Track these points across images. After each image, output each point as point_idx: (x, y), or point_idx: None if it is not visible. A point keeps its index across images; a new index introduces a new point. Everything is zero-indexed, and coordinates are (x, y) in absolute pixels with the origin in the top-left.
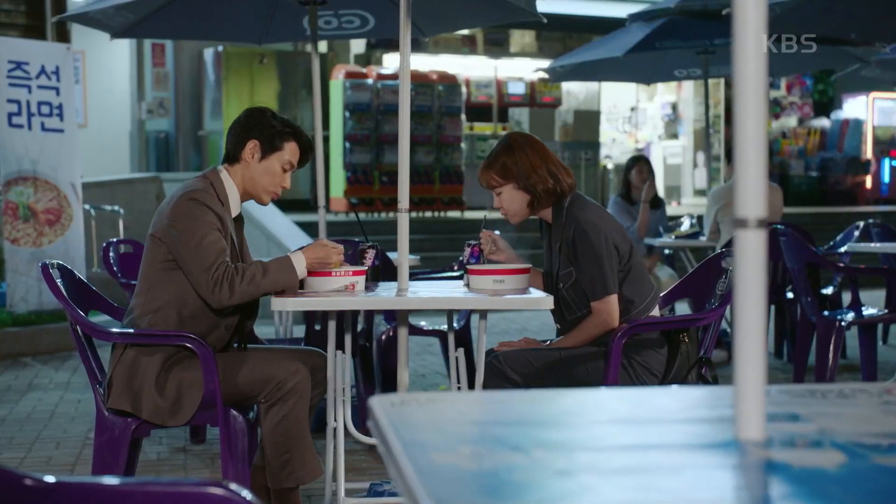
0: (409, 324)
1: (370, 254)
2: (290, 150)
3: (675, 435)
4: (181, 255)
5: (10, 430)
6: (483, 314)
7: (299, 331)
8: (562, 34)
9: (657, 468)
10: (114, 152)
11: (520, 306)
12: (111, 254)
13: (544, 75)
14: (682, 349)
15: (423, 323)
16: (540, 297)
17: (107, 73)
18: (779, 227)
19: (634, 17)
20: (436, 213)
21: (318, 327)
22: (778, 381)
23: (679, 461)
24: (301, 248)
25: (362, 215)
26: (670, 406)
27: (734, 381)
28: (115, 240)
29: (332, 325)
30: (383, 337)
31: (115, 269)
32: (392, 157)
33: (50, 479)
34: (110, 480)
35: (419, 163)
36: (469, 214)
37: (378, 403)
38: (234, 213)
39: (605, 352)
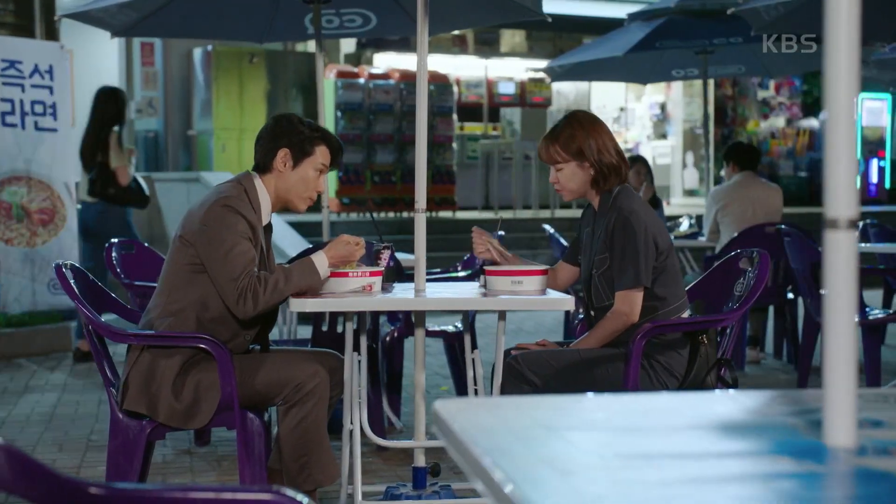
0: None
1: (385, 254)
2: (322, 154)
3: (761, 441)
4: (209, 261)
5: (11, 432)
6: (502, 315)
7: (302, 332)
8: (552, 34)
9: (753, 476)
10: None
11: (540, 307)
12: (114, 255)
13: (539, 74)
14: (700, 351)
15: None
16: (560, 298)
17: (95, 73)
18: (782, 227)
19: (633, 17)
20: (427, 214)
21: (325, 328)
22: (780, 383)
23: (773, 469)
24: (319, 246)
25: (353, 215)
26: (742, 410)
27: (823, 385)
28: (116, 240)
29: (349, 327)
30: (387, 338)
31: (117, 270)
32: (384, 156)
33: (120, 486)
34: (170, 487)
35: (410, 163)
36: (461, 215)
37: (443, 408)
38: (264, 222)
39: (625, 353)
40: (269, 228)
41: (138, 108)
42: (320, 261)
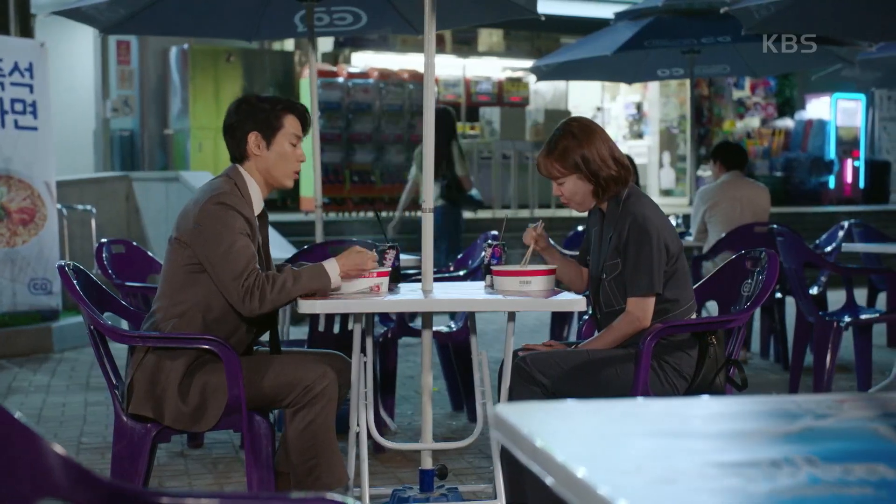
0: (408, 325)
1: (390, 254)
2: (291, 124)
3: (851, 447)
4: (210, 260)
5: None
6: (511, 316)
7: (294, 333)
8: (529, 34)
9: (856, 484)
10: (77, 151)
11: (552, 308)
12: (104, 254)
13: (516, 74)
14: (709, 351)
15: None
16: (572, 299)
17: (70, 71)
18: (774, 226)
19: (620, 16)
20: (407, 213)
21: (321, 329)
22: (768, 383)
23: (873, 477)
24: (330, 253)
25: (332, 214)
26: (814, 414)
27: None
28: (106, 240)
29: (357, 329)
30: (380, 339)
31: (109, 270)
32: (363, 156)
33: (186, 492)
34: (238, 496)
35: (390, 162)
36: None
37: (507, 413)
38: (257, 211)
39: (634, 354)
40: (263, 215)
41: (114, 107)
42: (331, 267)
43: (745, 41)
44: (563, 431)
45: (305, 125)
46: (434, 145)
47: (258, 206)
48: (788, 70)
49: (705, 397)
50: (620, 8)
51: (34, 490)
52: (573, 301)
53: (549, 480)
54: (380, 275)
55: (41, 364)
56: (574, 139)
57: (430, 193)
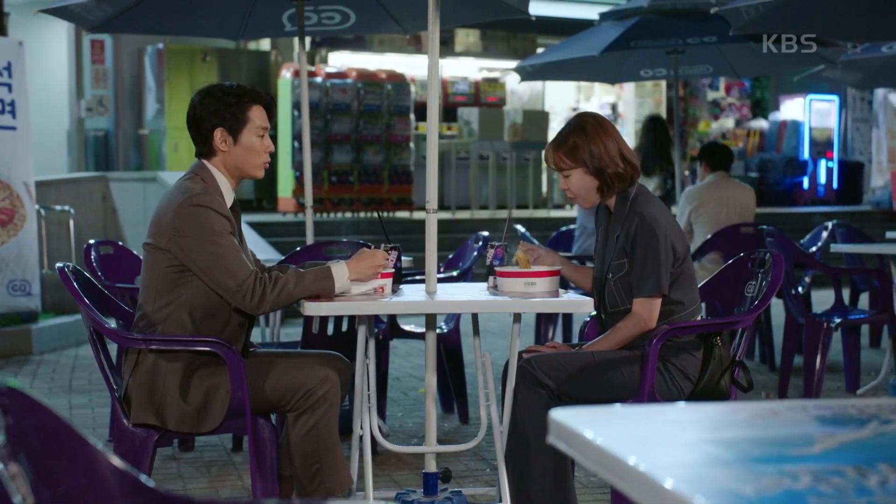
0: (400, 327)
1: (392, 255)
2: (257, 115)
3: None
4: (198, 265)
5: None
6: (517, 317)
7: (285, 334)
8: (507, 34)
9: None
10: (52, 151)
11: (559, 309)
12: (92, 255)
13: (493, 74)
14: (714, 353)
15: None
16: (579, 300)
17: (43, 70)
18: (764, 227)
19: (605, 16)
20: (385, 214)
21: (315, 330)
22: (757, 384)
23: None
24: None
25: (317, 216)
26: (877, 418)
27: None
28: (94, 241)
29: (362, 331)
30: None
31: (98, 272)
32: (341, 156)
33: None
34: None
35: (368, 162)
36: (417, 215)
37: (565, 418)
38: (229, 204)
39: (640, 356)
40: (235, 207)
41: (88, 107)
42: (340, 271)
43: (732, 41)
44: (629, 437)
45: (272, 113)
46: (644, 148)
47: (229, 200)
48: (772, 71)
49: (759, 402)
50: (600, 9)
51: (87, 497)
52: (580, 302)
53: (625, 488)
54: (384, 276)
55: (21, 366)
56: (584, 134)
57: (433, 194)
